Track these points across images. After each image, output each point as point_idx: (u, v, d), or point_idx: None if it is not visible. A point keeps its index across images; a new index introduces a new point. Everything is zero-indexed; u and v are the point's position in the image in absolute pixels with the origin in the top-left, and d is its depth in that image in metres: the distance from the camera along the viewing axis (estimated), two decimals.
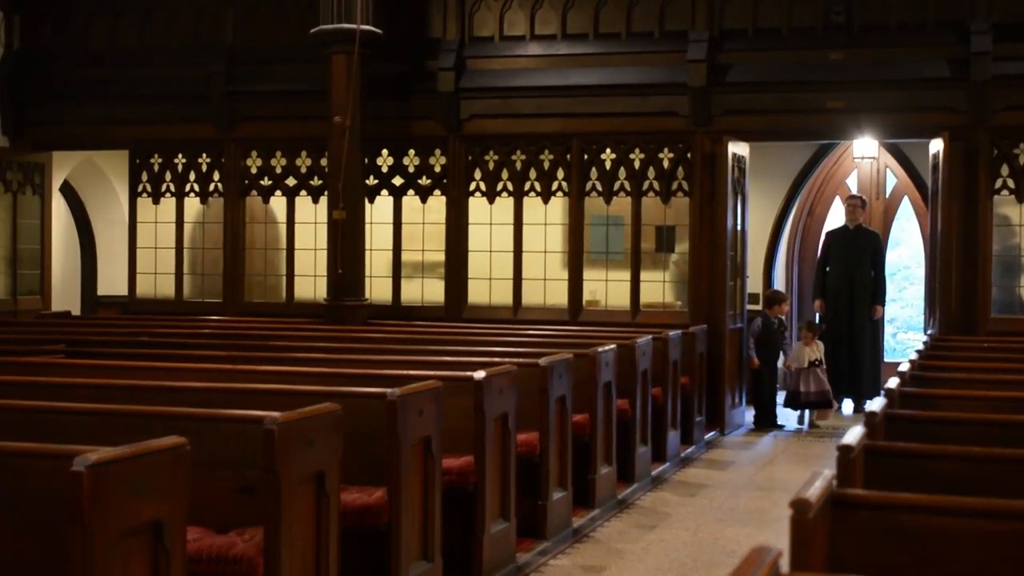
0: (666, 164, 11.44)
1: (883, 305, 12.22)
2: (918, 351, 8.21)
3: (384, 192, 12.21)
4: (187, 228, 12.94)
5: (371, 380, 6.08)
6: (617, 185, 11.56)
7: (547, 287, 11.84)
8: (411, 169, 12.15)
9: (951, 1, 10.68)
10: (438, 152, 12.02)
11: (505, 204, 11.90)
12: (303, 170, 12.43)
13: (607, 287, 11.72)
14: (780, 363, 11.65)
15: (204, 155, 12.74)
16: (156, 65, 12.62)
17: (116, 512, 3.55)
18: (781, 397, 11.59)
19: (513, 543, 6.35)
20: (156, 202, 12.93)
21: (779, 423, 11.22)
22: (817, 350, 11.14)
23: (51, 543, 3.72)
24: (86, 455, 3.49)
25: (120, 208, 14.17)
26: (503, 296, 11.89)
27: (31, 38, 13.10)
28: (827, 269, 12.08)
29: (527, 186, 11.82)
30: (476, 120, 11.81)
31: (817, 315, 12.23)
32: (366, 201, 11.88)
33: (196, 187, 12.81)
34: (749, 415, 11.43)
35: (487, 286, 11.96)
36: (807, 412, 11.22)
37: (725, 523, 7.38)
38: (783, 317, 11.48)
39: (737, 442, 10.60)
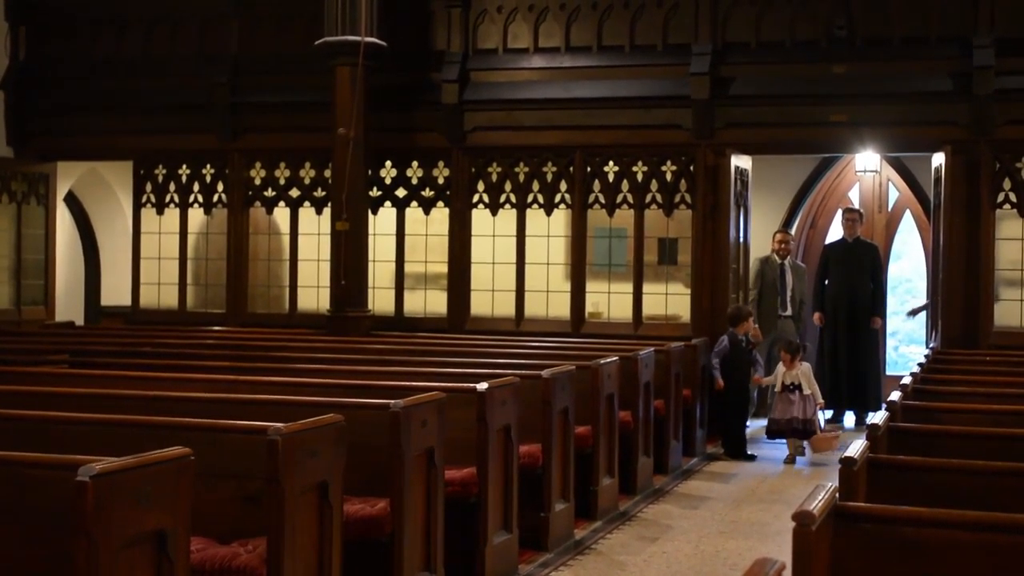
0: (669, 177, 11.46)
1: (882, 317, 12.21)
2: (920, 364, 8.23)
3: (387, 203, 12.24)
4: (191, 239, 12.97)
5: (374, 391, 6.09)
6: (620, 197, 11.58)
7: (550, 299, 11.85)
8: (414, 181, 12.17)
9: (954, 15, 10.71)
10: (441, 164, 12.04)
11: (508, 216, 11.91)
12: (307, 181, 12.46)
13: (609, 299, 11.73)
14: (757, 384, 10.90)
15: (208, 166, 12.77)
16: (161, 76, 12.65)
17: (120, 522, 3.55)
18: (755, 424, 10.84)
19: (515, 555, 6.35)
20: (160, 213, 12.96)
21: (750, 454, 10.12)
22: (797, 375, 10.01)
23: (55, 553, 3.72)
24: (90, 465, 3.50)
25: (124, 218, 14.19)
26: (506, 308, 11.90)
27: (37, 49, 13.14)
28: (825, 282, 12.04)
29: (530, 198, 11.84)
30: (479, 132, 11.84)
31: (819, 328, 12.20)
32: (369, 212, 11.89)
33: (200, 198, 12.83)
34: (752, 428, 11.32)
35: (490, 298, 11.97)
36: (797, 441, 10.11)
37: (727, 535, 7.37)
38: (750, 334, 10.48)
39: None
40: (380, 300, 12.06)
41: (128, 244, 13.34)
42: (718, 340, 10.47)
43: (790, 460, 10.01)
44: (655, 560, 6.74)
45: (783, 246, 11.96)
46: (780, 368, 10.16)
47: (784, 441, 10.18)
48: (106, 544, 3.49)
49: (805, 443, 10.07)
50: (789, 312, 11.91)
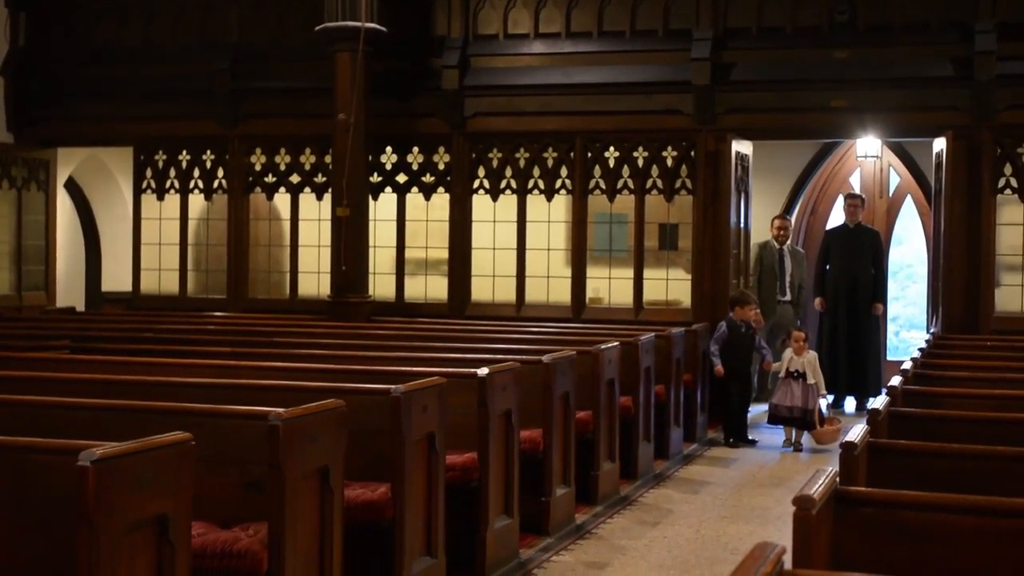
0: (670, 162, 11.45)
1: (884, 303, 12.22)
2: (921, 349, 8.23)
3: (388, 189, 12.23)
4: (191, 224, 12.96)
5: (375, 376, 6.09)
6: (620, 183, 11.57)
7: (550, 284, 11.85)
8: (415, 166, 12.16)
9: (955, 1, 10.68)
10: (442, 149, 12.03)
11: (509, 201, 11.91)
12: (307, 167, 12.45)
13: (610, 284, 11.73)
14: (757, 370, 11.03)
15: (208, 152, 12.75)
16: (161, 62, 12.63)
17: (121, 507, 3.56)
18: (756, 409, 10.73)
19: (516, 539, 6.36)
20: (160, 198, 12.95)
21: (751, 438, 10.11)
22: (803, 362, 9.85)
23: (56, 538, 3.74)
24: (92, 450, 3.50)
25: (124, 204, 14.19)
26: (506, 293, 11.90)
27: (37, 35, 13.12)
28: (827, 267, 12.05)
29: (531, 183, 11.83)
30: (480, 118, 11.83)
31: (819, 313, 12.21)
32: (370, 198, 11.89)
33: (200, 184, 12.82)
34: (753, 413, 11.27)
35: (490, 283, 11.97)
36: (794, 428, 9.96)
37: (728, 520, 7.39)
38: (752, 320, 10.29)
39: None
40: (381, 286, 12.06)
41: (128, 230, 13.33)
42: (717, 326, 10.42)
43: (787, 445, 9.95)
44: (656, 544, 6.75)
45: (782, 232, 11.98)
46: (788, 352, 10.06)
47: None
48: (107, 529, 3.49)
49: (805, 435, 9.97)
50: (788, 297, 11.96)
